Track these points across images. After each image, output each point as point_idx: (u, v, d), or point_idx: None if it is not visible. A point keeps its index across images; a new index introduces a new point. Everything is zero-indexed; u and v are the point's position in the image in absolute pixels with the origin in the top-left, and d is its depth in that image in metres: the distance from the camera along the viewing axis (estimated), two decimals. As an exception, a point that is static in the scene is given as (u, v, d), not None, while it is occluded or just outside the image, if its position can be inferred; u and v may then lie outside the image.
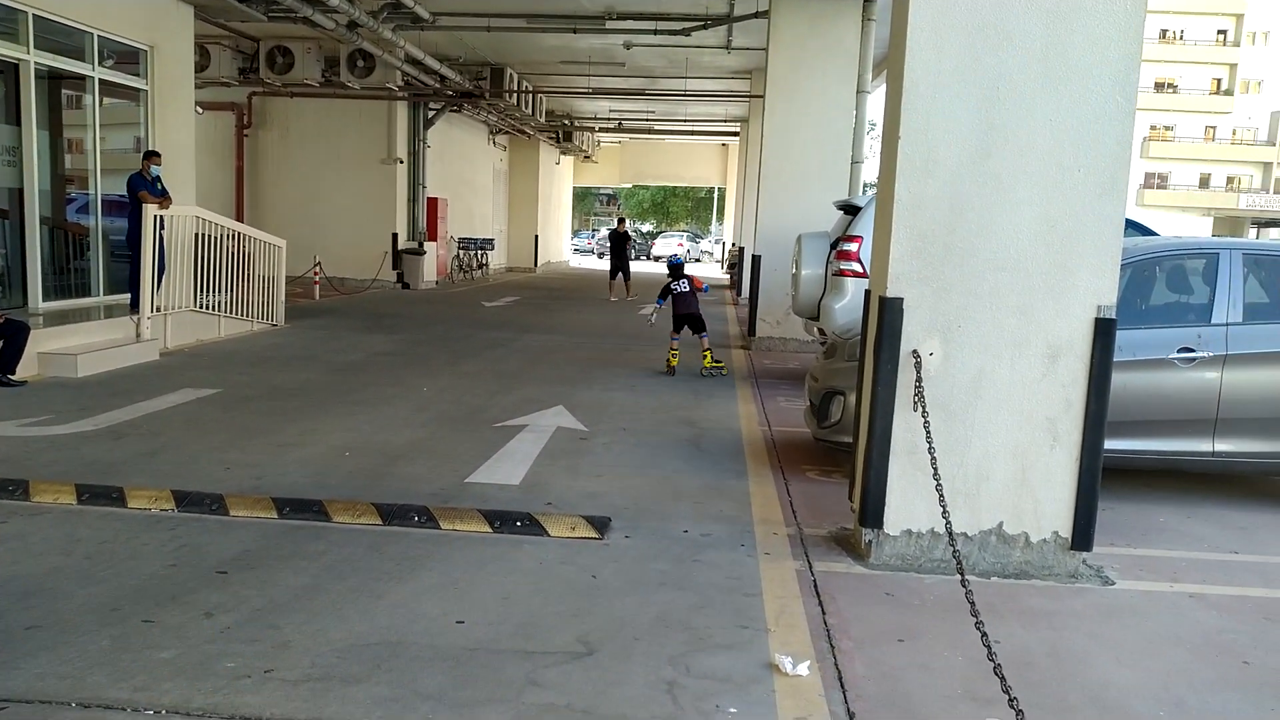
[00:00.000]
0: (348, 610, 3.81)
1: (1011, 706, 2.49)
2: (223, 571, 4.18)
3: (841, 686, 3.35)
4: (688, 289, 10.70)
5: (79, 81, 10.72)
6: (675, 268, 11.01)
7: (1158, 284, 6.30)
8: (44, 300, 10.06)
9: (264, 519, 4.91)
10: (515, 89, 22.27)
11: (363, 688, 3.19)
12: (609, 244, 23.35)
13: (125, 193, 10.39)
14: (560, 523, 4.97)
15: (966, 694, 3.32)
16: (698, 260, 48.32)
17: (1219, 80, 64.01)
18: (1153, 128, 61.36)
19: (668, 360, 10.70)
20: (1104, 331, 4.41)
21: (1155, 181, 62.43)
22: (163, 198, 10.37)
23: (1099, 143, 4.40)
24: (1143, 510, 5.76)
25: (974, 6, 4.37)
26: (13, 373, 8.02)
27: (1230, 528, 5.53)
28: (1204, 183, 63.65)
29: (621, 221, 23.11)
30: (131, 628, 3.58)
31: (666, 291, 10.77)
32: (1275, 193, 62.29)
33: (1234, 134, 64.16)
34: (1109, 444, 4.53)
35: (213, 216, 11.65)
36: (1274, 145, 63.06)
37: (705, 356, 10.56)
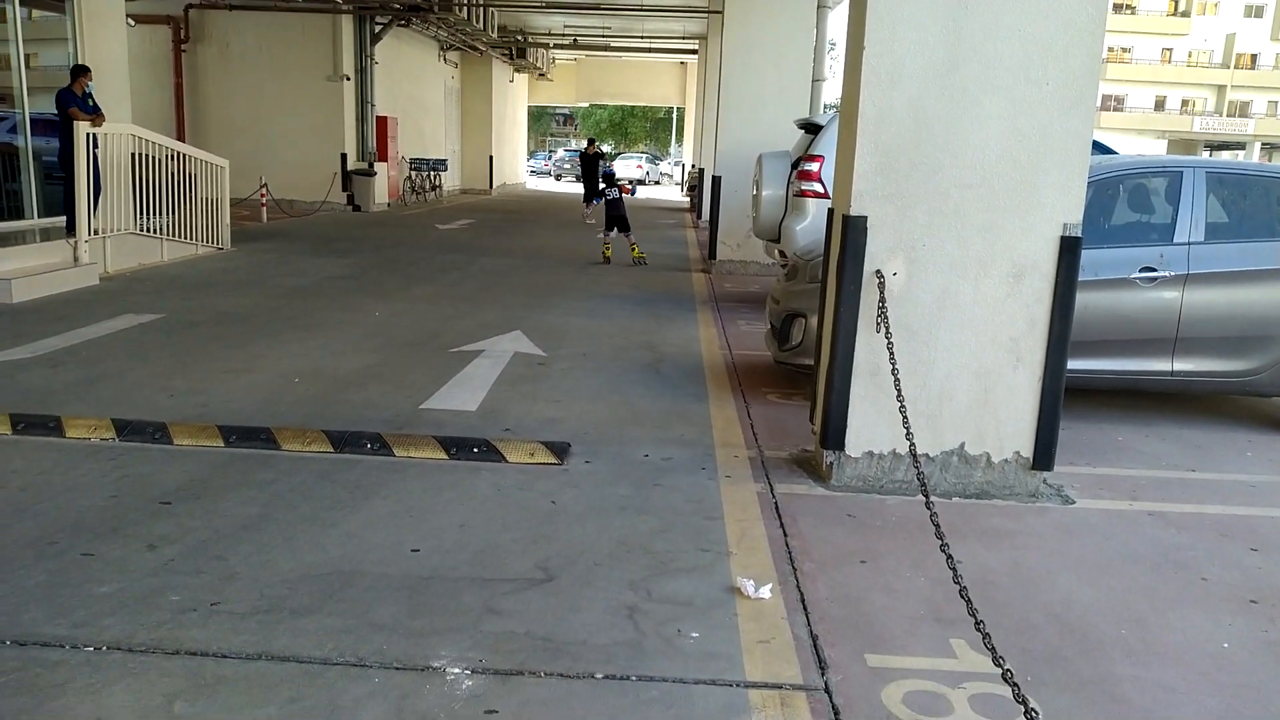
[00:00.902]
0: (298, 540, 3.69)
1: (978, 629, 2.45)
2: (166, 502, 4.02)
3: (804, 609, 3.31)
4: (617, 196, 13.39)
5: (-2, -10, 10.10)
6: (608, 177, 14.20)
7: (1120, 203, 6.23)
8: (-27, 224, 9.62)
9: (209, 447, 4.75)
10: (465, 2, 21.50)
11: (314, 619, 3.09)
12: (580, 166, 22.92)
13: (55, 111, 9.88)
14: (518, 449, 4.86)
15: (930, 615, 3.31)
16: (657, 183, 47.80)
17: (1176, 1, 63.91)
18: (1110, 49, 61.24)
19: (602, 252, 13.44)
20: (1069, 250, 4.34)
21: (1112, 104, 62.59)
22: (95, 115, 9.86)
23: (1068, 56, 4.27)
24: (1102, 429, 5.79)
25: (945, -92, 4.18)
26: (-59, 299, 7.67)
27: (1188, 446, 5.58)
28: (1159, 105, 64.00)
29: (592, 143, 22.74)
30: (70, 561, 3.43)
31: (601, 195, 13.53)
32: (1228, 115, 62.84)
33: (1190, 56, 64.32)
34: (1070, 364, 4.50)
35: (150, 135, 11.14)
36: (1228, 68, 63.39)
37: (634, 249, 13.35)
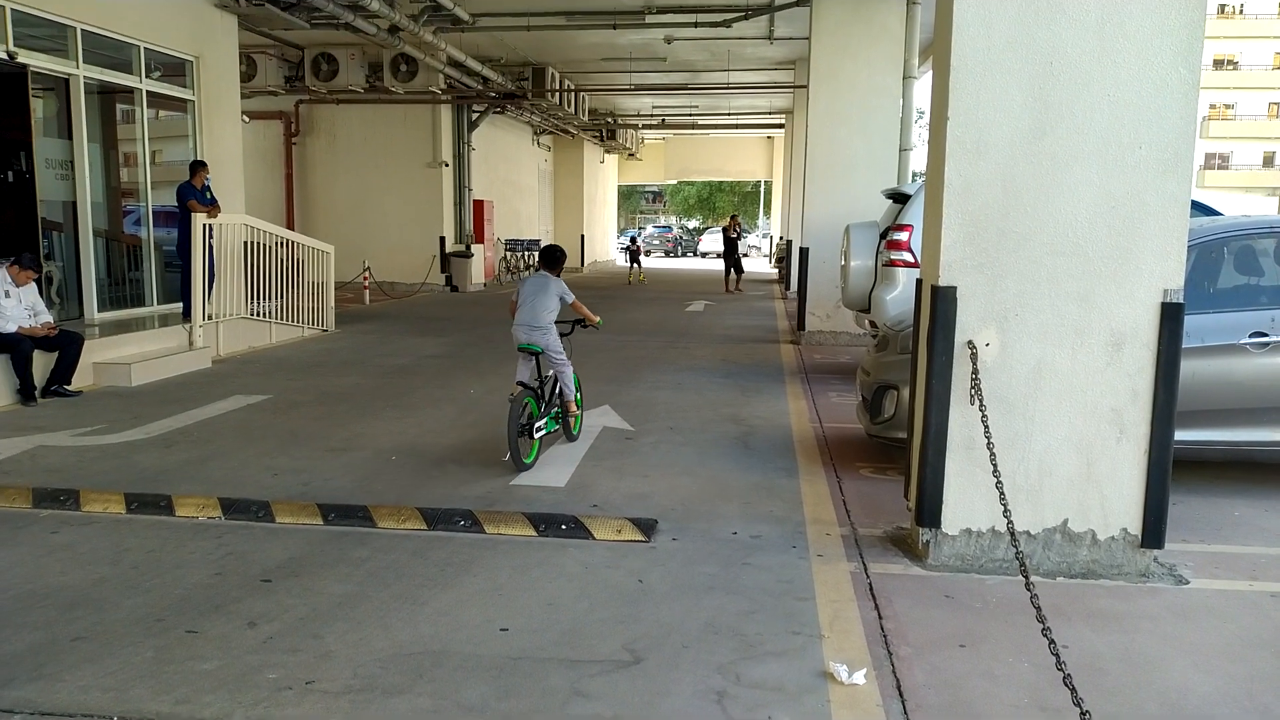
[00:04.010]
0: (391, 618, 3.75)
1: (1084, 720, 2.33)
2: (267, 580, 4.15)
3: (900, 696, 3.20)
4: (637, 249, 25.78)
5: (128, 94, 10.89)
6: (632, 239, 27.04)
7: (1226, 266, 6.00)
8: (99, 310, 10.25)
9: (309, 525, 4.89)
10: (557, 88, 22.24)
11: (404, 699, 3.12)
12: (722, 241, 25.79)
13: (176, 203, 10.54)
14: (606, 525, 4.87)
15: (1034, 704, 3.15)
16: (745, 255, 47.95)
17: (1281, 55, 61.86)
18: (1212, 106, 59.44)
19: (628, 279, 24.20)
20: (1171, 316, 4.19)
21: (1216, 162, 60.51)
22: (212, 206, 10.48)
23: (1161, 118, 4.18)
24: (1215, 504, 5.48)
25: (1024, -21, 4.18)
26: (68, 383, 8.14)
27: (1311, 521, 5.25)
28: (1268, 161, 61.56)
29: (734, 219, 24.13)
30: (175, 638, 3.55)
31: (626, 250, 25.70)
32: (1344, 169, 60.08)
33: (1299, 109, 61.94)
34: (1178, 435, 4.31)
35: (261, 224, 11.77)
36: (1342, 120, 60.79)
37: (640, 277, 25.01)
